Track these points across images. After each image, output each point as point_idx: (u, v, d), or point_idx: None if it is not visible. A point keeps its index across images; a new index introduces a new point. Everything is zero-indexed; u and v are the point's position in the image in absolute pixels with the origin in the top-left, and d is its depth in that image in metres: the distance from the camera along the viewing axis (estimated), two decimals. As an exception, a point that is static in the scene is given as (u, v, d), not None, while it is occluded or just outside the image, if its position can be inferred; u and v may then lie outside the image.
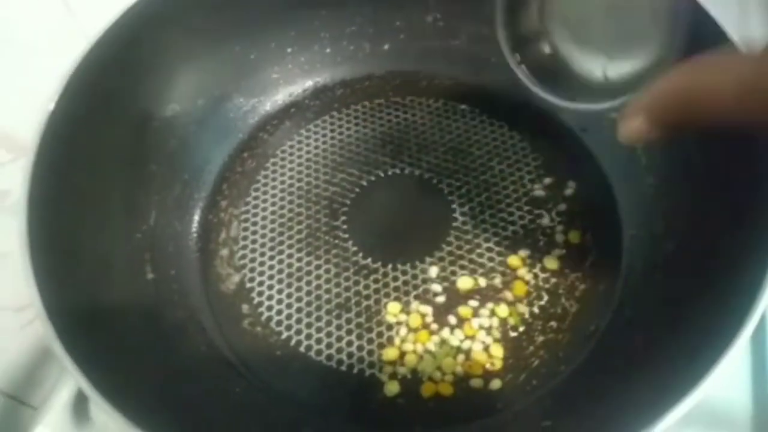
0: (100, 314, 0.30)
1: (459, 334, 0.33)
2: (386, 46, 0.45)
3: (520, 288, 0.34)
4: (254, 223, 0.38)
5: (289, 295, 0.35)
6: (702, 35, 0.30)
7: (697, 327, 0.27)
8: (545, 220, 0.36)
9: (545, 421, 0.29)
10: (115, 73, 0.35)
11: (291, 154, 0.41)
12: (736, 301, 0.25)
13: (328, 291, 0.35)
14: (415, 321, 0.33)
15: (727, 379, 0.31)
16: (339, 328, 0.34)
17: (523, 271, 0.35)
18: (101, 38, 0.33)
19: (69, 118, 0.31)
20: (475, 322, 0.33)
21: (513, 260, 0.35)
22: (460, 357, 0.32)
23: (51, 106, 0.30)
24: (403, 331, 0.33)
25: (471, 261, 0.35)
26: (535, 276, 0.34)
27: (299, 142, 0.42)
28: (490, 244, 0.36)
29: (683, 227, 0.32)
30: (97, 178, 0.34)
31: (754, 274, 0.25)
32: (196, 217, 0.39)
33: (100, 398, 0.24)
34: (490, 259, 0.35)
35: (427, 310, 0.34)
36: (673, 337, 0.27)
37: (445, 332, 0.33)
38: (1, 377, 0.39)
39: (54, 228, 0.29)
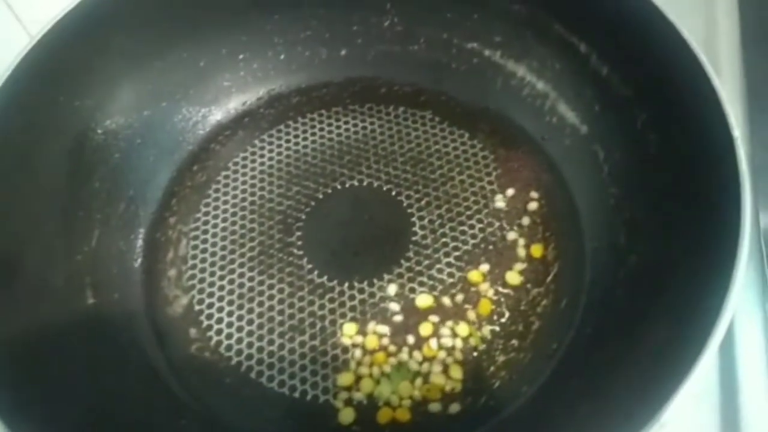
0: (30, 342, 0.28)
1: (417, 355, 0.31)
2: (343, 52, 0.43)
3: (485, 306, 0.33)
4: (204, 241, 0.36)
5: (240, 318, 0.33)
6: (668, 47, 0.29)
7: (659, 347, 0.26)
8: (507, 234, 0.35)
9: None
10: (50, 82, 0.33)
11: (244, 167, 0.39)
12: (699, 319, 0.24)
13: (281, 312, 0.33)
14: (371, 342, 0.32)
15: (695, 400, 0.31)
16: (292, 351, 0.32)
17: (484, 287, 0.33)
18: (36, 44, 0.31)
19: (1, 129, 0.29)
20: (434, 343, 0.32)
21: (473, 276, 0.34)
22: (418, 380, 0.31)
23: None
24: (358, 353, 0.32)
25: (430, 277, 0.34)
26: (496, 292, 0.33)
27: (252, 153, 0.40)
28: (450, 259, 0.35)
29: (645, 240, 0.31)
30: (32, 195, 0.31)
31: (717, 291, 0.24)
32: (142, 236, 0.37)
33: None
34: (450, 275, 0.34)
35: (385, 330, 0.32)
36: (634, 357, 0.27)
37: (404, 354, 0.31)
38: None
39: None
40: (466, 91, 0.41)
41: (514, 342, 0.32)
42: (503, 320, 0.32)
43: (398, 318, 0.33)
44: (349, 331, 0.32)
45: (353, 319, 0.33)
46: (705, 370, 0.22)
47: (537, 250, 0.34)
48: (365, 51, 0.43)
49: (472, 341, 0.32)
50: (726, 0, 0.43)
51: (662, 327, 0.27)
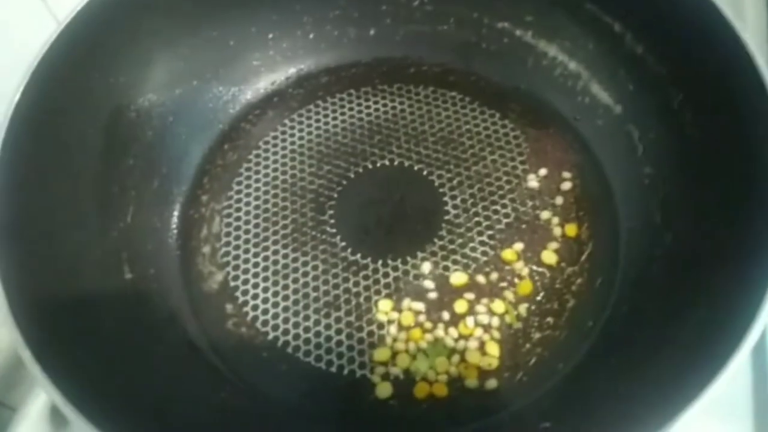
0: (72, 316, 0.28)
1: (453, 332, 0.31)
2: (372, 32, 0.43)
3: (525, 287, 0.33)
4: (237, 219, 0.37)
5: (275, 294, 0.34)
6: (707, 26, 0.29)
7: (700, 328, 0.26)
8: (540, 213, 0.35)
9: (544, 423, 0.27)
10: (86, 61, 0.33)
11: (274, 146, 0.40)
12: (741, 301, 0.24)
13: (315, 289, 0.34)
14: (407, 319, 0.32)
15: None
16: (328, 327, 0.32)
17: (518, 265, 0.33)
18: (71, 23, 0.31)
19: (37, 109, 0.29)
20: (470, 320, 0.32)
21: (507, 254, 0.34)
22: (455, 356, 0.31)
23: (17, 96, 0.28)
24: (394, 329, 0.32)
25: (464, 256, 0.34)
26: (531, 271, 0.33)
27: (283, 132, 0.40)
28: (484, 238, 0.35)
29: (681, 218, 0.31)
30: (68, 172, 0.32)
31: (759, 272, 0.24)
32: (176, 213, 0.37)
33: (71, 408, 0.22)
34: (484, 254, 0.34)
35: (420, 307, 0.32)
36: (674, 337, 0.27)
37: (439, 330, 0.32)
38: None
39: (20, 223, 0.27)
40: (497, 71, 0.41)
41: (549, 320, 0.32)
42: (538, 298, 0.32)
43: (433, 295, 0.33)
44: (384, 308, 0.32)
45: (388, 296, 0.33)
46: (745, 356, 0.22)
47: (571, 230, 0.34)
48: (394, 31, 0.43)
49: (508, 319, 0.32)
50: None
51: (702, 307, 0.27)
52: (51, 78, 0.30)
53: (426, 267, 0.34)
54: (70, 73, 0.32)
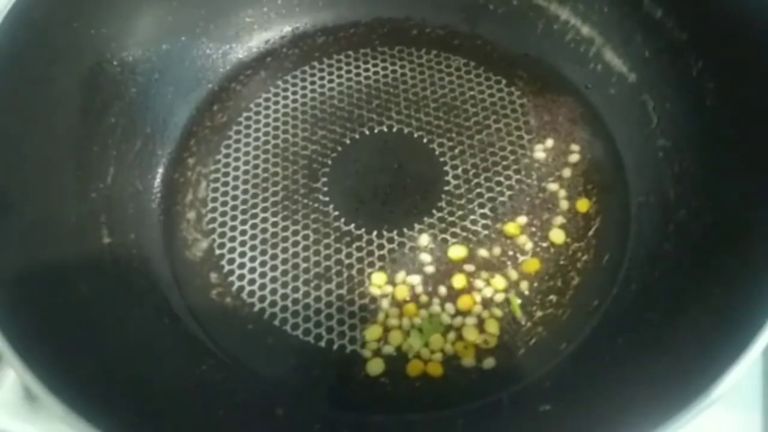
0: (44, 282, 0.26)
1: (450, 307, 0.30)
2: (373, -11, 0.40)
3: (532, 265, 0.31)
4: (225, 184, 0.34)
5: (262, 264, 0.32)
6: None
7: (716, 305, 0.24)
8: (546, 185, 0.33)
9: (544, 405, 0.26)
10: (65, 8, 0.31)
11: (266, 108, 0.37)
12: (760, 282, 0.22)
13: (306, 259, 0.32)
14: (401, 293, 0.30)
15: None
16: (318, 300, 0.31)
17: (522, 240, 0.31)
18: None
19: (8, 57, 0.28)
20: (468, 296, 0.30)
21: (510, 228, 0.32)
22: (451, 333, 0.29)
23: None
24: (387, 303, 0.30)
25: (464, 228, 0.32)
26: (535, 245, 0.31)
27: (275, 94, 0.38)
28: (485, 210, 0.33)
29: (697, 194, 0.30)
30: (45, 129, 0.30)
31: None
32: (160, 176, 0.35)
33: (39, 385, 0.20)
34: (485, 227, 0.32)
35: (416, 280, 0.31)
36: (687, 315, 0.25)
37: (435, 306, 0.30)
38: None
39: None
40: (504, 36, 0.39)
41: (552, 298, 0.30)
42: (541, 275, 0.31)
43: (430, 269, 0.31)
44: (377, 281, 0.31)
45: (382, 269, 0.31)
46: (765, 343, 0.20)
47: (578, 204, 0.32)
48: (396, -11, 0.40)
49: (508, 295, 0.30)
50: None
51: (717, 288, 0.25)
52: (24, 26, 0.28)
53: (423, 239, 0.32)
54: (47, 21, 0.30)
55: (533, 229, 0.32)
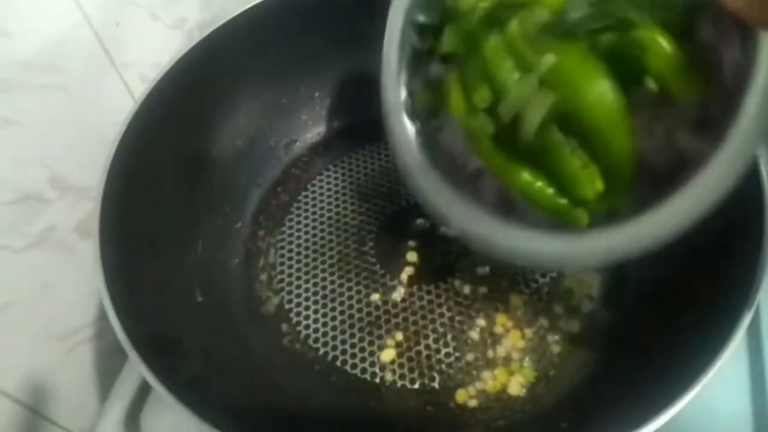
0: (167, 338, 0.33)
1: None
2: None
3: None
4: (290, 250, 0.42)
5: (324, 315, 0.39)
6: None
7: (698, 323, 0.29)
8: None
9: (563, 423, 0.31)
10: (169, 120, 0.38)
11: (320, 188, 0.45)
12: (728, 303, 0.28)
13: (359, 310, 0.38)
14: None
15: (725, 388, 0.34)
16: (371, 344, 0.37)
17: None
18: (155, 86, 0.37)
19: (129, 162, 0.35)
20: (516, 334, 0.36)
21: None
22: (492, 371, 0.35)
23: (113, 150, 0.34)
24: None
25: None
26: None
27: (328, 176, 0.46)
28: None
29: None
30: (154, 215, 0.37)
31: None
32: (237, 246, 0.43)
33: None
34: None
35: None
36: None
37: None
38: (46, 403, 0.38)
39: (120, 260, 0.32)
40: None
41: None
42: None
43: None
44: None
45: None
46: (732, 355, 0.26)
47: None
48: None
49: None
50: None
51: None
52: (140, 136, 0.35)
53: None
54: (156, 132, 0.37)
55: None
